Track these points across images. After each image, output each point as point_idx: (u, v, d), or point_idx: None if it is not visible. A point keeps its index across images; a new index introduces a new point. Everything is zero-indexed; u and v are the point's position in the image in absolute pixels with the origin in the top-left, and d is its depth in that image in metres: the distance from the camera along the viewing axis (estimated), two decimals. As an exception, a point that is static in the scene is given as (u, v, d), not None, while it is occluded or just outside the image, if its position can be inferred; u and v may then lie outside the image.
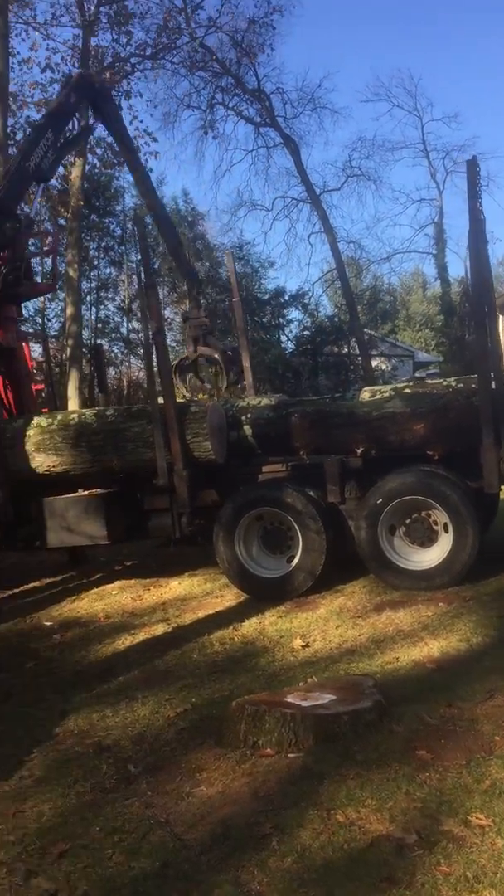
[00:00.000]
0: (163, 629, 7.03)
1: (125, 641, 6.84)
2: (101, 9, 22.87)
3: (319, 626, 6.54)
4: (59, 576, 9.71)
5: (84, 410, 9.23)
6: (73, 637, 7.22)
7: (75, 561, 10.05)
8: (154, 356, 8.11)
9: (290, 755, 4.08)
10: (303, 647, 6.07)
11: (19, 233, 9.30)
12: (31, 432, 8.29)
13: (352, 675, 5.19)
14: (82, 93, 9.81)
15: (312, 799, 3.69)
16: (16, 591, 9.50)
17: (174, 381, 9.47)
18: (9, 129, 13.87)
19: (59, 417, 8.47)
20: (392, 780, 3.79)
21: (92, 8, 22.57)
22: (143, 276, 8.24)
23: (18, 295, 9.82)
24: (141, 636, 6.93)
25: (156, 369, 8.03)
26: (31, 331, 23.23)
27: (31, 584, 9.61)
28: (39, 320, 30.70)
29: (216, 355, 10.57)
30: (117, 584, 8.87)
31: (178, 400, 8.48)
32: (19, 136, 20.16)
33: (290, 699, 4.43)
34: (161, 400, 7.78)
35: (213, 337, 10.79)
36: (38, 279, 14.07)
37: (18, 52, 22.12)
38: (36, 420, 8.44)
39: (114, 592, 8.55)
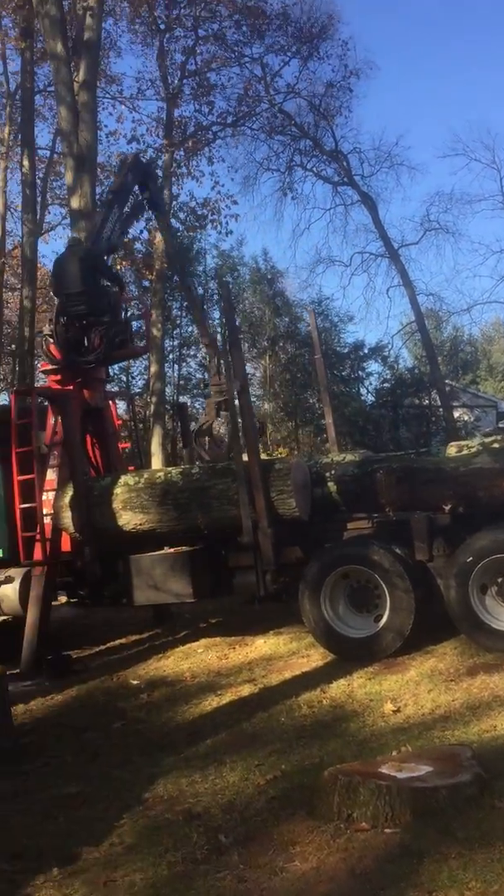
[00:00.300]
0: (249, 690, 6.93)
1: (212, 702, 6.77)
2: (185, 81, 23.87)
3: (410, 689, 6.33)
4: (145, 633, 9.74)
5: (170, 469, 9.35)
6: (160, 697, 7.20)
7: (161, 618, 10.08)
8: (238, 414, 8.17)
9: (387, 830, 3.91)
10: (394, 711, 5.88)
11: (119, 298, 9.76)
12: (118, 490, 8.43)
13: (448, 745, 4.98)
14: (136, 173, 10.44)
15: (412, 879, 3.51)
16: (103, 647, 9.58)
17: (193, 446, 9.69)
18: (97, 198, 14.44)
19: (145, 475, 8.60)
20: (497, 860, 3.58)
21: (175, 81, 23.59)
22: (227, 334, 8.36)
23: (118, 357, 10.14)
24: (227, 697, 6.85)
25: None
26: (116, 389, 23.88)
27: (118, 641, 9.67)
28: (124, 378, 31.58)
29: None
30: (203, 642, 8.84)
31: (262, 457, 8.50)
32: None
33: (384, 770, 4.27)
34: (245, 457, 7.81)
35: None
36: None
37: (106, 125, 23.23)
38: (123, 478, 8.58)
39: (199, 651, 8.51)
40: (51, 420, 9.16)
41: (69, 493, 8.64)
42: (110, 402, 10.37)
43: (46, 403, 9.28)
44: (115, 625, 10.21)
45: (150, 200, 10.77)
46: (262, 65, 25.21)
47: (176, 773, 5.22)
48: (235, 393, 8.14)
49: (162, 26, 22.98)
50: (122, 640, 9.78)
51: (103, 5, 16.81)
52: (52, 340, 9.32)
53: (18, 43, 20.74)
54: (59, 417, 8.92)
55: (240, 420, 8.02)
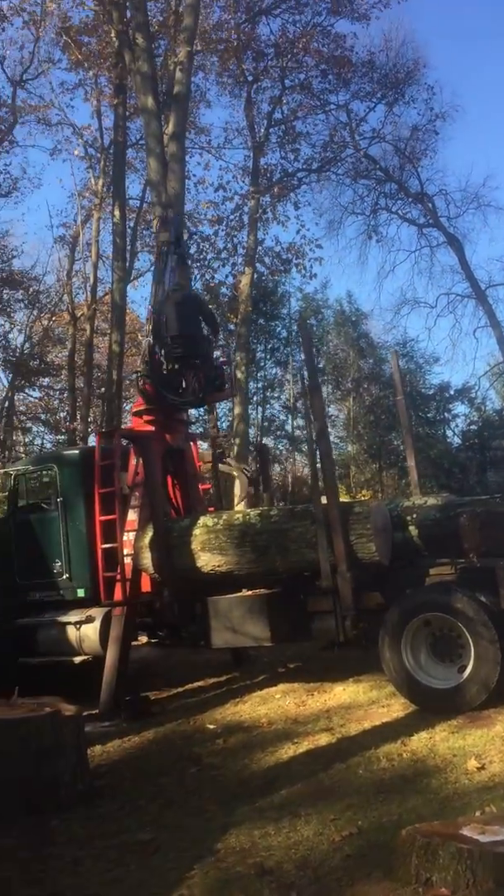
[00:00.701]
0: (327, 739, 6.75)
1: (288, 751, 6.61)
2: (271, 130, 24.38)
3: (496, 745, 6.03)
4: (223, 675, 9.66)
5: (248, 510, 9.34)
6: (236, 743, 7.09)
7: (239, 661, 9.99)
8: (317, 456, 8.11)
9: (468, 897, 3.70)
10: (478, 768, 5.61)
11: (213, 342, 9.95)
12: (197, 531, 8.45)
13: (535, 807, 4.70)
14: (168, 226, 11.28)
15: None
16: (181, 689, 9.55)
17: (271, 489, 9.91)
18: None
19: (223, 517, 8.60)
20: None
21: (262, 130, 24.14)
22: (307, 377, 8.35)
23: (212, 400, 10.28)
24: (304, 745, 6.68)
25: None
26: (199, 431, 24.13)
27: (197, 683, 9.62)
28: (206, 417, 31.92)
29: (234, 472, 10.91)
30: (280, 687, 8.69)
31: (343, 500, 8.39)
32: (192, 250, 21.55)
33: (466, 831, 4.05)
34: (325, 500, 7.73)
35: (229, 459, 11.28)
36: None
37: (194, 174, 23.95)
38: (202, 520, 8.61)
39: (277, 696, 8.37)
40: (133, 461, 9.31)
41: (149, 533, 8.72)
42: (191, 443, 10.48)
43: (130, 445, 9.44)
44: (194, 666, 10.17)
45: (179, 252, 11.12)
46: (347, 111, 25.62)
47: (249, 824, 5.10)
48: (314, 435, 8.09)
49: (249, 78, 23.62)
50: (201, 683, 9.73)
51: (193, 60, 17.40)
52: (147, 379, 9.46)
53: (112, 99, 21.67)
54: (141, 458, 9.04)
55: (318, 463, 7.96)
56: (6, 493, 10.55)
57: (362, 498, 26.09)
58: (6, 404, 30.11)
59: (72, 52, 21.45)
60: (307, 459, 22.01)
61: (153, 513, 8.74)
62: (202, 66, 23.04)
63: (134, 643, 9.48)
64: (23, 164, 33.40)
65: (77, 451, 10.25)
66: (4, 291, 27.97)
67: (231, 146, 25.01)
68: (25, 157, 46.93)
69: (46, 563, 9.70)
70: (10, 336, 29.68)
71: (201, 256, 23.45)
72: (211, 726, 7.70)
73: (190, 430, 10.60)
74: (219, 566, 8.34)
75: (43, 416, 31.56)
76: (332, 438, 8.53)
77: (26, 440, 32.87)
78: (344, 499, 13.09)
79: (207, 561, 8.37)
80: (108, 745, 7.49)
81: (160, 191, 14.91)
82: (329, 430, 8.63)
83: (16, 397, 31.19)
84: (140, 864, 4.68)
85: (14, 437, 31.38)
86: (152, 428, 9.56)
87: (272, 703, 8.18)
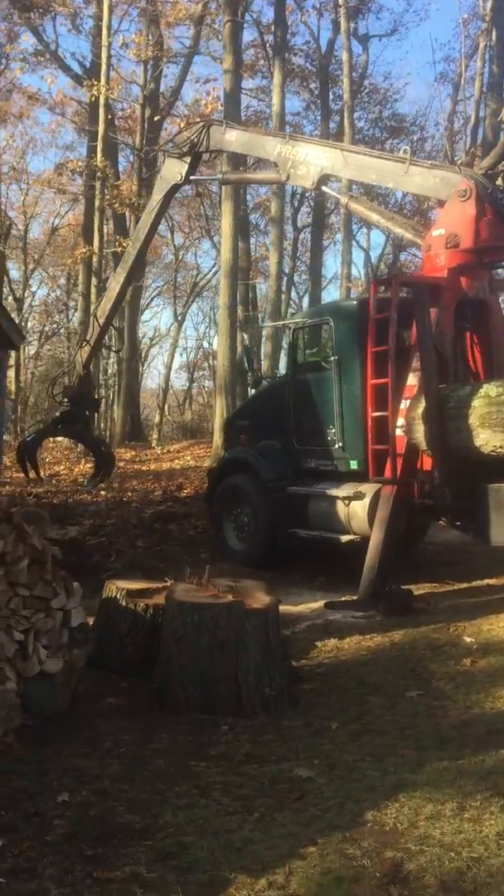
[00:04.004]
0: None
1: (542, 694, 5.04)
2: None
3: None
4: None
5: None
6: (485, 668, 5.66)
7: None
8: None
9: None
10: None
11: None
12: (476, 403, 6.82)
13: None
14: None
15: None
16: (464, 585, 8.21)
17: None
18: None
19: (513, 385, 6.79)
20: None
21: None
22: None
23: None
24: None
25: None
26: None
27: (488, 581, 8.21)
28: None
29: None
30: None
31: None
32: None
33: None
34: None
35: None
36: None
37: None
38: (484, 388, 6.91)
39: None
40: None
41: (422, 403, 7.26)
42: (499, 294, 8.52)
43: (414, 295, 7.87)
44: (493, 559, 8.65)
45: None
46: None
47: (429, 792, 3.79)
48: None
49: None
50: (493, 581, 8.27)
51: None
52: None
53: None
54: (420, 311, 7.47)
55: None
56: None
57: None
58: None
59: None
60: None
61: (426, 378, 7.23)
62: None
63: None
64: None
65: (354, 302, 8.94)
66: (389, 142, 26.52)
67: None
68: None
69: (322, 428, 8.80)
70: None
71: None
72: (468, 639, 6.31)
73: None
74: (501, 446, 6.66)
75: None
76: None
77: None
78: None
79: (488, 439, 6.74)
80: (346, 639, 6.55)
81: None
82: None
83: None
84: (265, 815, 3.70)
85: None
86: (443, 273, 7.87)
87: None
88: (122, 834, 3.51)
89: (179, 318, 38.88)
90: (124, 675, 5.51)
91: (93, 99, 21.90)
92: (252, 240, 31.50)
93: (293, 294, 35.93)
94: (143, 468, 18.91)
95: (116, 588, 5.82)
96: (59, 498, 13.50)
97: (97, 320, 11.40)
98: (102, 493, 14.54)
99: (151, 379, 47.43)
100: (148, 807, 3.77)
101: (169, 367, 38.92)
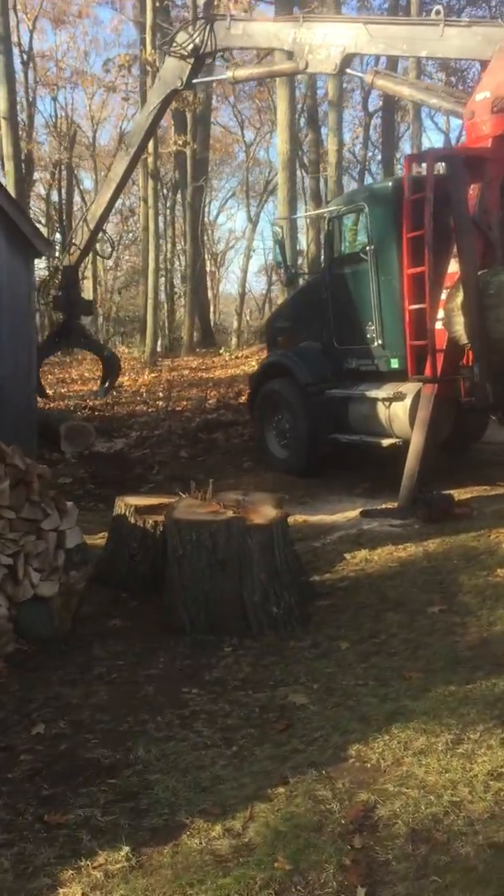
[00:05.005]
0: None
1: None
2: None
3: None
4: None
5: None
6: (519, 580, 5.20)
7: None
8: None
9: None
10: None
11: None
12: (518, 288, 6.10)
13: None
14: None
15: None
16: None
17: None
18: None
19: None
20: None
21: None
22: None
23: None
24: None
25: None
26: None
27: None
28: None
29: None
30: None
31: None
32: None
33: None
34: None
35: None
36: None
37: None
38: (527, 271, 6.17)
39: None
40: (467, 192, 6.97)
41: (461, 291, 6.59)
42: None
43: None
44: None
45: None
46: None
47: (425, 722, 3.46)
48: None
49: None
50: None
51: None
52: None
53: None
54: (457, 187, 6.69)
55: None
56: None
57: None
58: None
59: None
60: None
61: (464, 263, 6.52)
62: None
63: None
64: None
65: (389, 184, 8.11)
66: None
67: None
68: None
69: (361, 325, 8.20)
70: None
71: None
72: (508, 548, 5.85)
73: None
74: (546, 336, 5.99)
75: None
76: None
77: None
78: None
79: (531, 329, 6.06)
80: (377, 550, 6.17)
81: None
82: None
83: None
84: (242, 749, 3.46)
85: None
86: (488, 143, 7.01)
87: None
88: (87, 771, 3.33)
89: (254, 219, 37.58)
90: (135, 595, 5.33)
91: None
92: (323, 130, 29.71)
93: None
94: (207, 376, 18.62)
95: (125, 504, 5.59)
96: (113, 411, 13.40)
97: (87, 225, 11.01)
98: (159, 403, 14.39)
99: (231, 284, 46.47)
100: (123, 740, 3.58)
101: (245, 271, 37.91)
